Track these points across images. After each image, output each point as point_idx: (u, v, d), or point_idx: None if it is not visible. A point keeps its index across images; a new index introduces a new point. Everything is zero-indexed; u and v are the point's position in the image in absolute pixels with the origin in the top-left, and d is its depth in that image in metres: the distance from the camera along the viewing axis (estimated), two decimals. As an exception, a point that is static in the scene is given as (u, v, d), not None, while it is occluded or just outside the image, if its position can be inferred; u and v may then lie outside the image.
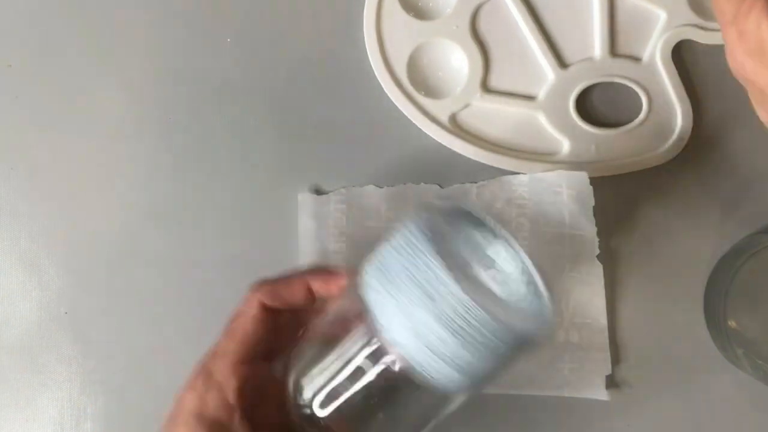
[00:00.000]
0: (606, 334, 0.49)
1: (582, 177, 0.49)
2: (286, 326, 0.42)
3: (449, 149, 0.50)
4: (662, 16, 0.50)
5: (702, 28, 0.50)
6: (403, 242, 0.37)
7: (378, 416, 0.39)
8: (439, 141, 0.50)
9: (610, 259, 0.50)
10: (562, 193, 0.49)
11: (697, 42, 0.50)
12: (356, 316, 0.38)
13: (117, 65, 0.51)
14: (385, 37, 0.50)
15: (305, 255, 0.50)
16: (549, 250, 0.49)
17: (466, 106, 0.50)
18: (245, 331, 0.41)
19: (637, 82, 0.50)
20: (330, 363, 0.39)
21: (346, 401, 0.38)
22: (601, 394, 0.49)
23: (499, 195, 0.50)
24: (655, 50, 0.50)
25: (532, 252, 0.49)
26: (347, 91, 0.51)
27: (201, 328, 0.51)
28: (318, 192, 0.50)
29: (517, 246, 0.40)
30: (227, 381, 0.40)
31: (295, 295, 0.41)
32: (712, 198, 0.51)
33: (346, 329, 0.38)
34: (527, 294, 0.39)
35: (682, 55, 0.50)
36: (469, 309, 0.35)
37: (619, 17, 0.50)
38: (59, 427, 0.51)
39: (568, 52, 0.50)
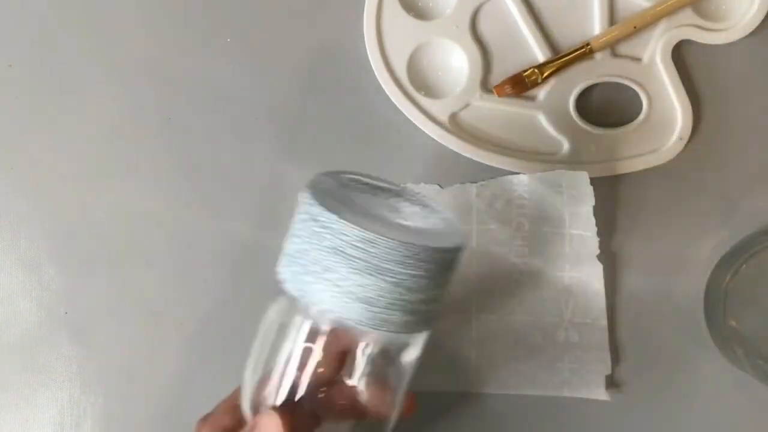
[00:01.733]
0: (606, 334, 0.49)
1: (582, 177, 0.49)
2: None
3: (449, 149, 0.50)
4: (662, 16, 0.50)
5: (702, 28, 0.50)
6: (297, 221, 0.38)
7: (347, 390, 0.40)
8: (439, 141, 0.50)
9: (610, 259, 0.50)
10: (562, 193, 0.49)
11: (697, 42, 0.50)
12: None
13: (117, 65, 0.51)
14: (385, 37, 0.50)
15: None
16: (549, 250, 0.49)
17: (466, 106, 0.50)
18: None
19: (637, 82, 0.50)
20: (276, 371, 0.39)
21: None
22: (601, 395, 0.49)
23: (499, 195, 0.50)
24: (655, 50, 0.50)
25: (532, 252, 0.49)
26: (347, 91, 0.51)
27: (201, 328, 0.51)
28: (318, 192, 0.50)
29: (409, 190, 0.41)
30: None
31: (229, 419, 0.41)
32: (712, 198, 0.51)
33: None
34: (435, 222, 0.40)
35: (682, 55, 0.50)
36: (372, 241, 0.35)
37: (619, 17, 0.50)
38: (59, 427, 0.51)
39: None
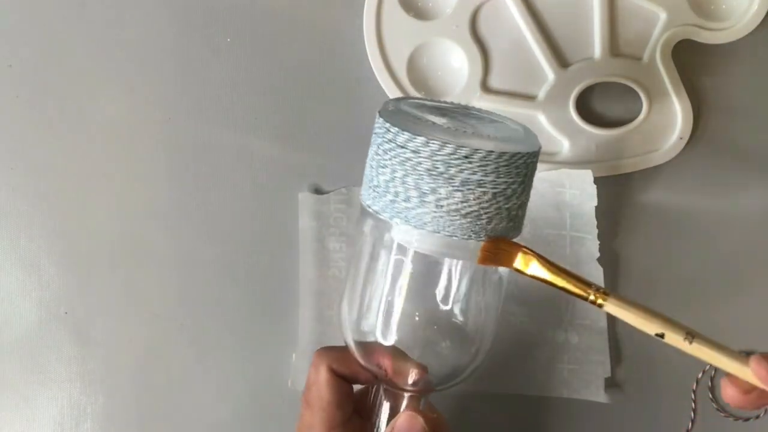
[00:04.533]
0: (606, 336, 0.49)
1: (586, 175, 0.49)
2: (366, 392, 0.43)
3: (449, 149, 0.50)
4: (662, 15, 0.50)
5: (702, 27, 0.50)
6: (380, 150, 0.38)
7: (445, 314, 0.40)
8: (439, 141, 0.50)
9: (610, 258, 0.50)
10: (564, 193, 0.49)
11: (698, 42, 0.50)
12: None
13: (117, 65, 0.51)
14: (385, 37, 0.50)
15: (305, 255, 0.50)
16: (549, 252, 0.49)
17: (466, 106, 0.50)
18: (321, 399, 0.41)
19: (637, 82, 0.50)
20: (370, 293, 0.40)
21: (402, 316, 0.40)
22: (600, 396, 0.49)
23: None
24: (655, 50, 0.50)
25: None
26: (347, 91, 0.51)
27: (201, 328, 0.51)
28: (318, 192, 0.50)
29: (471, 107, 0.42)
30: None
31: (369, 360, 0.41)
32: (712, 198, 0.51)
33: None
34: (508, 131, 0.40)
35: (682, 54, 0.50)
36: (468, 156, 0.36)
37: (619, 17, 0.50)
38: (59, 427, 0.51)
39: (568, 52, 0.50)
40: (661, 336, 0.36)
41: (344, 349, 0.41)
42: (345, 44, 0.51)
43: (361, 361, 0.41)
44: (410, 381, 0.40)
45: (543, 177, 0.49)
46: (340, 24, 0.51)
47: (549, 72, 0.50)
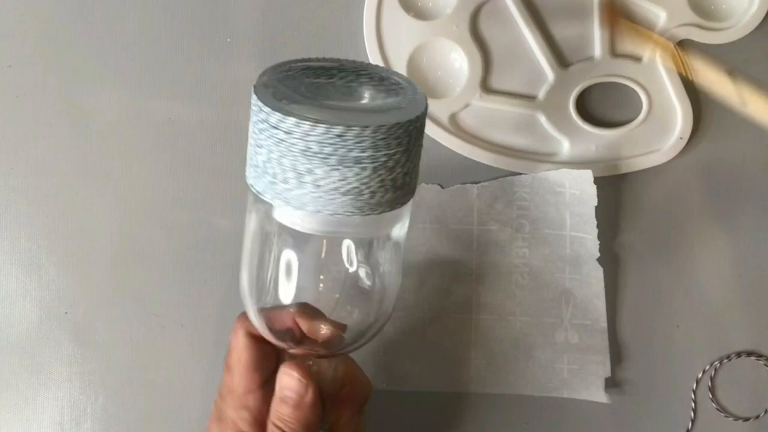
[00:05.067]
0: (606, 336, 0.49)
1: (586, 175, 0.49)
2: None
3: (449, 149, 0.50)
4: (662, 15, 0.50)
5: (702, 27, 0.50)
6: (256, 130, 0.37)
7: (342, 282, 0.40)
8: (439, 141, 0.50)
9: (610, 258, 0.50)
10: (564, 194, 0.49)
11: (698, 41, 0.50)
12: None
13: (116, 65, 0.51)
14: (385, 37, 0.50)
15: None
16: (549, 252, 0.49)
17: (466, 106, 0.50)
18: (240, 362, 0.41)
19: (637, 82, 0.50)
20: (266, 269, 0.40)
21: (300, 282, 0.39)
22: (600, 397, 0.49)
23: (500, 196, 0.50)
24: (655, 50, 0.50)
25: (532, 253, 0.49)
26: (347, 91, 0.51)
27: (201, 328, 0.51)
28: (318, 192, 0.50)
29: (360, 63, 0.40)
30: (239, 414, 0.41)
31: (279, 324, 0.41)
32: (712, 198, 0.51)
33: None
34: (396, 92, 0.38)
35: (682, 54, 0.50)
36: (342, 134, 0.34)
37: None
38: (59, 427, 0.51)
39: (568, 52, 0.50)
40: None
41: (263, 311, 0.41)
42: (345, 44, 0.51)
43: (269, 331, 0.40)
44: (323, 335, 0.40)
45: (543, 177, 0.49)
46: (340, 24, 0.51)
47: (549, 72, 0.50)
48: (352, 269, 0.40)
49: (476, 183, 0.50)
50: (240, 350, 0.41)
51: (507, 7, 0.50)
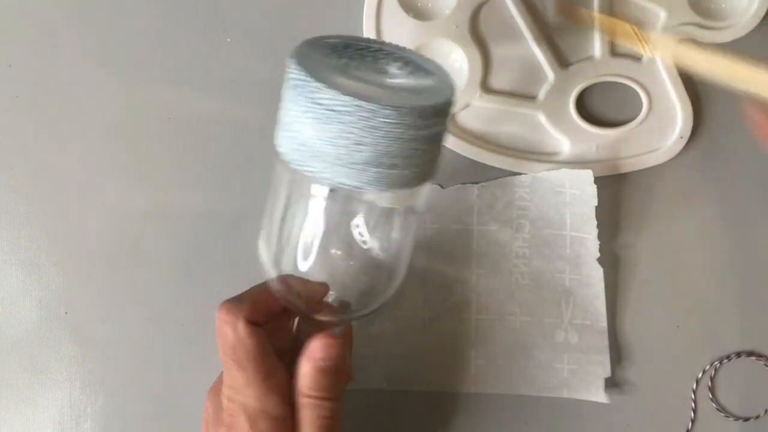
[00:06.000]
0: (606, 336, 0.49)
1: (586, 176, 0.49)
2: (281, 328, 0.43)
3: (449, 149, 0.50)
4: (662, 15, 0.50)
5: (702, 27, 0.50)
6: (292, 96, 0.38)
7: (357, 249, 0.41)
8: (439, 141, 0.50)
9: (610, 258, 0.50)
10: (564, 193, 0.49)
11: (698, 41, 0.50)
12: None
13: (117, 65, 0.51)
14: (385, 37, 0.50)
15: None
16: (549, 252, 0.49)
17: (466, 106, 0.50)
18: (249, 352, 0.41)
19: (637, 82, 0.50)
20: (287, 231, 0.41)
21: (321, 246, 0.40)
22: (600, 397, 0.49)
23: (500, 196, 0.50)
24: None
25: (532, 253, 0.49)
26: (347, 91, 0.51)
27: (201, 328, 0.51)
28: (318, 192, 0.50)
29: (395, 46, 0.42)
30: (266, 402, 0.41)
31: (274, 303, 0.42)
32: (712, 197, 0.51)
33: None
34: (427, 76, 0.40)
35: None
36: (374, 111, 0.36)
37: (619, 17, 0.50)
38: (59, 427, 0.51)
39: (568, 52, 0.50)
40: None
41: (246, 298, 0.42)
42: (345, 44, 0.51)
43: (281, 297, 0.41)
44: (331, 302, 0.41)
45: (543, 177, 0.49)
46: (340, 24, 0.51)
47: (549, 72, 0.50)
48: (368, 237, 0.41)
49: (476, 183, 0.50)
50: (245, 340, 0.41)
51: (507, 7, 0.50)
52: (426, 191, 0.41)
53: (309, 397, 0.41)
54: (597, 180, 0.49)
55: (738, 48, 0.50)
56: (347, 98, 0.35)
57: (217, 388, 0.43)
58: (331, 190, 0.39)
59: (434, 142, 0.39)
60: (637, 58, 0.50)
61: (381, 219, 0.41)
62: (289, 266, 0.41)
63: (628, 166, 0.50)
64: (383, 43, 0.42)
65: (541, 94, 0.50)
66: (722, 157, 0.51)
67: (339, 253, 0.41)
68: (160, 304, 0.51)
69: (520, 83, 0.50)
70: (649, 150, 0.50)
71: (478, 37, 0.50)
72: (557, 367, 0.49)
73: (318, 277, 0.41)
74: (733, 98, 0.51)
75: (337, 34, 0.41)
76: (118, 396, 0.51)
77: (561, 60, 0.50)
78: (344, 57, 0.40)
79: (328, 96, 0.36)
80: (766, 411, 0.51)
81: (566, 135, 0.50)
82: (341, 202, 0.40)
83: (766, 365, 0.50)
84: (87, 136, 0.51)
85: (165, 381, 0.51)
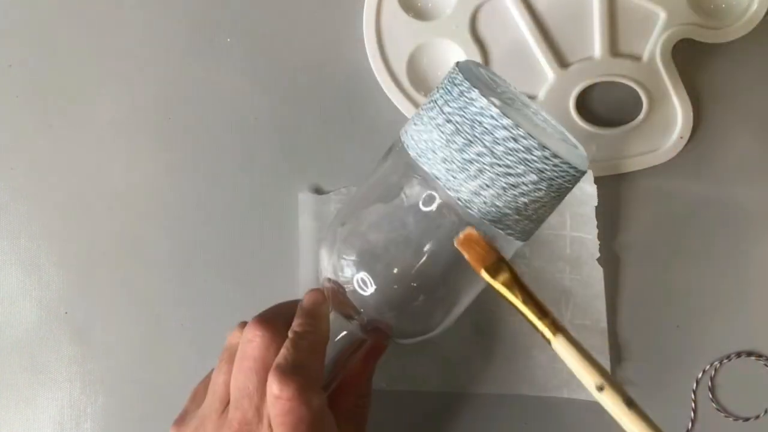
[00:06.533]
0: (606, 336, 0.49)
1: (587, 176, 0.49)
2: None
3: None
4: (662, 15, 0.50)
5: (702, 26, 0.50)
6: (460, 110, 0.37)
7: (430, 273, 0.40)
8: (439, 141, 0.50)
9: (610, 258, 0.50)
10: (564, 194, 0.49)
11: (697, 41, 0.50)
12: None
13: (117, 65, 0.51)
14: (385, 37, 0.50)
15: (305, 255, 0.50)
16: (549, 252, 0.49)
17: (466, 106, 0.50)
18: (329, 427, 0.39)
19: (637, 82, 0.50)
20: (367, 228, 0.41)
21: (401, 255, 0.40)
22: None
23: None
24: (655, 49, 0.50)
25: (533, 254, 0.49)
26: (347, 91, 0.51)
27: (201, 328, 0.51)
28: (318, 192, 0.50)
29: (539, 107, 0.42)
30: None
31: (323, 354, 0.41)
32: (712, 197, 0.51)
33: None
34: (563, 144, 0.40)
35: (682, 54, 0.50)
36: (534, 149, 0.36)
37: (618, 16, 0.50)
38: (59, 427, 0.51)
39: (568, 52, 0.50)
40: (600, 389, 0.35)
41: (301, 362, 0.39)
42: (345, 44, 0.51)
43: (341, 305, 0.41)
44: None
45: (543, 177, 0.49)
46: (340, 24, 0.51)
47: (549, 72, 0.50)
48: (440, 265, 0.40)
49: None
50: (325, 415, 0.39)
51: (507, 7, 0.50)
52: (512, 250, 0.41)
53: (291, 332, 0.40)
54: (597, 180, 0.49)
55: (738, 48, 0.50)
56: (533, 142, 0.36)
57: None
58: (437, 208, 0.39)
59: (554, 207, 0.39)
60: (637, 58, 0.50)
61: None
62: (346, 266, 0.41)
63: (628, 166, 0.50)
64: (510, 86, 0.42)
65: (541, 94, 0.50)
66: (722, 157, 0.51)
67: (406, 270, 0.40)
68: (160, 304, 0.51)
69: (520, 83, 0.50)
70: (649, 150, 0.50)
71: (478, 37, 0.50)
72: (557, 367, 0.49)
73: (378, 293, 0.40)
74: (733, 98, 0.51)
75: (480, 65, 0.41)
76: (118, 396, 0.51)
77: (561, 60, 0.50)
78: (495, 92, 0.39)
79: (506, 134, 0.36)
80: (766, 411, 0.51)
81: (566, 135, 0.50)
82: (435, 220, 0.39)
83: (766, 365, 0.50)
84: (87, 136, 0.51)
85: (165, 381, 0.51)
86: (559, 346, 0.36)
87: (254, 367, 0.39)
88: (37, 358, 0.51)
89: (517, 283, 0.37)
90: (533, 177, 0.37)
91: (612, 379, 0.35)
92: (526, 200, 0.38)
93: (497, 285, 0.37)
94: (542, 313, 0.36)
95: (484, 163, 0.37)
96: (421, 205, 0.39)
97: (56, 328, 0.51)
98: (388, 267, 0.40)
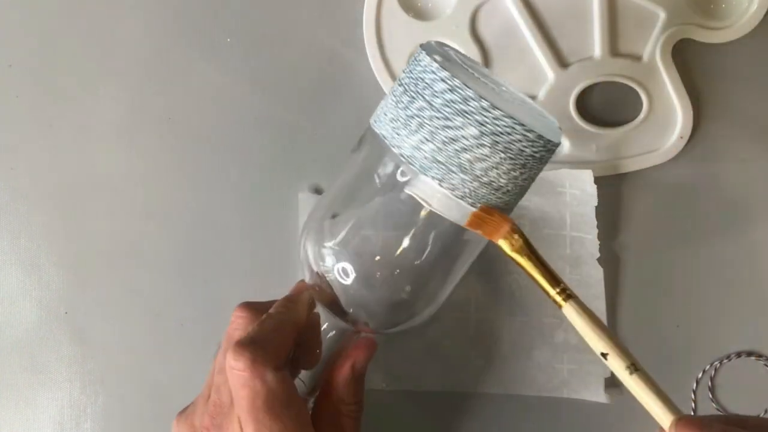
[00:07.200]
0: (605, 335, 0.49)
1: (587, 176, 0.49)
2: None
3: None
4: (662, 15, 0.50)
5: (702, 26, 0.50)
6: (436, 94, 0.37)
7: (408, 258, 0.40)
8: (439, 141, 0.50)
9: (610, 259, 0.50)
10: (564, 194, 0.49)
11: (697, 41, 0.50)
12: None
13: (117, 65, 0.51)
14: (385, 37, 0.50)
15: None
16: (549, 252, 0.49)
17: (466, 105, 0.50)
18: (286, 405, 0.38)
19: (637, 82, 0.50)
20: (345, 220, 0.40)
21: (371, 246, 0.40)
22: (600, 397, 0.49)
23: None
24: (655, 49, 0.50)
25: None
26: (347, 91, 0.51)
27: (201, 327, 0.51)
28: (318, 192, 0.50)
29: (504, 81, 0.42)
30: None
31: (289, 339, 0.40)
32: (712, 197, 0.51)
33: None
34: (534, 116, 0.39)
35: (682, 54, 0.50)
36: (511, 127, 0.36)
37: (618, 16, 0.50)
38: (59, 427, 0.51)
39: (568, 52, 0.50)
40: (605, 356, 0.36)
41: (263, 341, 0.39)
42: (345, 44, 0.51)
43: (325, 299, 0.41)
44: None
45: (543, 177, 0.49)
46: (340, 24, 0.51)
47: (549, 72, 0.50)
48: (423, 254, 0.40)
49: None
50: (279, 390, 0.38)
51: (507, 7, 0.50)
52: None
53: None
54: (597, 180, 0.49)
55: (738, 48, 0.50)
56: (497, 112, 0.36)
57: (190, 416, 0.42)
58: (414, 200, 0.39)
59: (514, 174, 0.38)
60: (637, 58, 0.50)
61: (446, 235, 0.40)
62: (328, 256, 0.40)
63: (628, 166, 0.50)
64: (485, 68, 0.42)
65: (541, 94, 0.50)
66: (722, 157, 0.51)
67: (387, 257, 0.40)
68: (160, 304, 0.51)
69: (520, 83, 0.50)
70: (649, 150, 0.50)
71: (478, 37, 0.50)
72: (557, 367, 0.49)
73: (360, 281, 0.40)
74: (733, 98, 0.51)
75: (449, 45, 0.41)
76: (118, 396, 0.51)
77: (561, 60, 0.50)
78: (461, 69, 0.39)
79: (477, 107, 0.36)
80: (766, 411, 0.51)
81: (566, 135, 0.50)
82: (411, 203, 0.39)
83: (766, 365, 0.50)
84: (87, 136, 0.51)
85: (165, 381, 0.51)
86: (569, 312, 0.37)
87: (227, 349, 0.39)
88: (37, 358, 0.51)
89: (530, 251, 0.38)
90: (473, 130, 0.36)
91: (618, 346, 0.36)
92: (469, 156, 0.37)
93: (514, 254, 0.38)
94: (554, 281, 0.38)
95: (424, 117, 0.37)
96: (395, 188, 0.39)
97: (56, 328, 0.51)
98: (369, 255, 0.40)
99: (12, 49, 0.51)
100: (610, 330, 0.37)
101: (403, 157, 0.37)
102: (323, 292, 0.41)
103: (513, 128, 0.36)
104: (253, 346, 0.37)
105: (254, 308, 0.41)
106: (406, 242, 0.40)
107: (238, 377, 0.37)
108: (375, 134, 0.39)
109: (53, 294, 0.51)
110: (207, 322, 0.51)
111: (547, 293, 0.38)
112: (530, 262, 0.38)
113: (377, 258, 0.40)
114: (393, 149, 0.38)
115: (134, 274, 0.51)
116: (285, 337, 0.39)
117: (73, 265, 0.51)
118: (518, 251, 0.38)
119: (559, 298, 0.38)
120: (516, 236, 0.38)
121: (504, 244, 0.38)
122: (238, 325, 0.40)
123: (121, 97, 0.51)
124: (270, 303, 0.42)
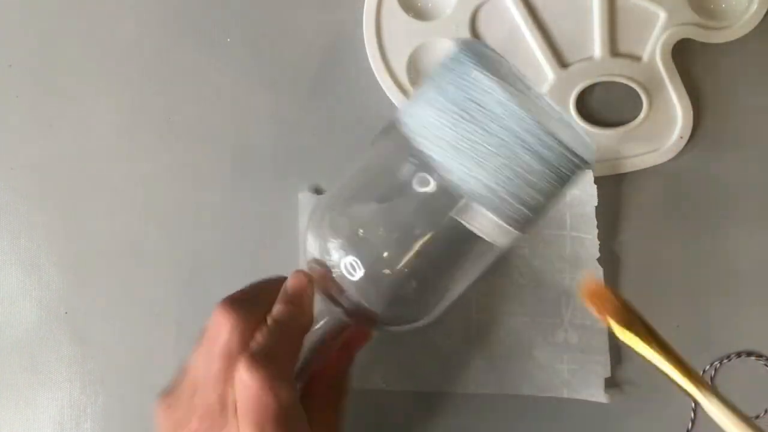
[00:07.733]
0: (606, 336, 0.49)
1: (586, 176, 0.49)
2: None
3: (449, 149, 0.50)
4: (662, 15, 0.50)
5: (702, 26, 0.50)
6: (467, 91, 0.36)
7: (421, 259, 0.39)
8: (439, 141, 0.50)
9: (610, 259, 0.50)
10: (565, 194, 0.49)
11: (697, 41, 0.50)
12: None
13: (117, 65, 0.51)
14: (385, 37, 0.50)
15: (305, 255, 0.50)
16: (549, 252, 0.49)
17: (466, 106, 0.50)
18: (298, 419, 0.38)
19: (637, 82, 0.50)
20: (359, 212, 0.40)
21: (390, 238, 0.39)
22: (600, 397, 0.49)
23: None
24: (655, 49, 0.50)
25: (532, 253, 0.49)
26: (347, 91, 0.51)
27: (201, 328, 0.51)
28: (318, 192, 0.50)
29: (545, 96, 0.41)
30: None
31: (298, 346, 0.40)
32: (712, 197, 0.51)
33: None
34: (570, 134, 0.38)
35: (682, 54, 0.50)
36: (543, 141, 0.35)
37: (618, 16, 0.50)
38: (59, 427, 0.51)
39: (568, 52, 0.50)
40: None
41: (275, 352, 0.38)
42: (345, 44, 0.51)
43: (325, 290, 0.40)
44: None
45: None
46: (340, 24, 0.51)
47: (549, 72, 0.50)
48: (437, 257, 0.39)
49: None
50: (293, 407, 0.37)
51: (507, 7, 0.50)
52: (512, 241, 0.39)
53: (269, 319, 0.39)
54: (597, 180, 0.49)
55: (738, 48, 0.50)
56: (531, 122, 0.34)
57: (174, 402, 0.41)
58: (435, 191, 0.37)
59: (558, 197, 0.37)
60: (637, 58, 0.50)
61: (461, 239, 0.39)
62: (334, 246, 0.39)
63: (628, 166, 0.50)
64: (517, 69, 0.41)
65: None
66: (722, 157, 0.51)
67: (398, 255, 0.39)
68: (160, 304, 0.51)
69: (520, 83, 0.50)
70: (649, 150, 0.50)
71: (478, 37, 0.50)
72: (557, 367, 0.49)
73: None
74: (733, 98, 0.51)
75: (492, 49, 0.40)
76: (118, 396, 0.51)
77: (561, 60, 0.50)
78: (500, 75, 0.38)
79: (508, 112, 0.35)
80: (766, 411, 0.51)
81: (566, 135, 0.50)
82: (429, 203, 0.38)
83: (766, 365, 0.50)
84: (87, 136, 0.51)
85: (165, 381, 0.51)
86: (714, 408, 0.33)
87: (217, 352, 0.38)
88: (37, 358, 0.51)
89: (653, 337, 0.35)
90: (538, 166, 0.35)
91: None
92: (531, 191, 0.36)
93: (635, 343, 0.35)
94: (685, 369, 0.33)
95: (478, 141, 0.35)
96: (415, 187, 0.38)
97: (56, 328, 0.51)
98: (378, 251, 0.39)
99: (12, 49, 0.51)
100: (755, 423, 0.33)
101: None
102: (326, 284, 0.40)
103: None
104: (267, 360, 0.36)
105: (239, 307, 0.39)
106: (418, 241, 0.39)
107: (250, 393, 0.36)
108: (400, 135, 0.37)
109: (53, 294, 0.51)
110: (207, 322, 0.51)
111: (678, 386, 0.33)
112: (659, 351, 0.33)
113: (386, 254, 0.39)
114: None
115: (134, 274, 0.51)
116: (296, 348, 0.39)
117: (73, 265, 0.51)
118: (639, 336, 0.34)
119: (698, 394, 0.33)
120: (635, 322, 0.34)
121: (619, 332, 0.35)
122: (222, 329, 0.38)
123: (121, 97, 0.51)
124: (253, 292, 0.41)
